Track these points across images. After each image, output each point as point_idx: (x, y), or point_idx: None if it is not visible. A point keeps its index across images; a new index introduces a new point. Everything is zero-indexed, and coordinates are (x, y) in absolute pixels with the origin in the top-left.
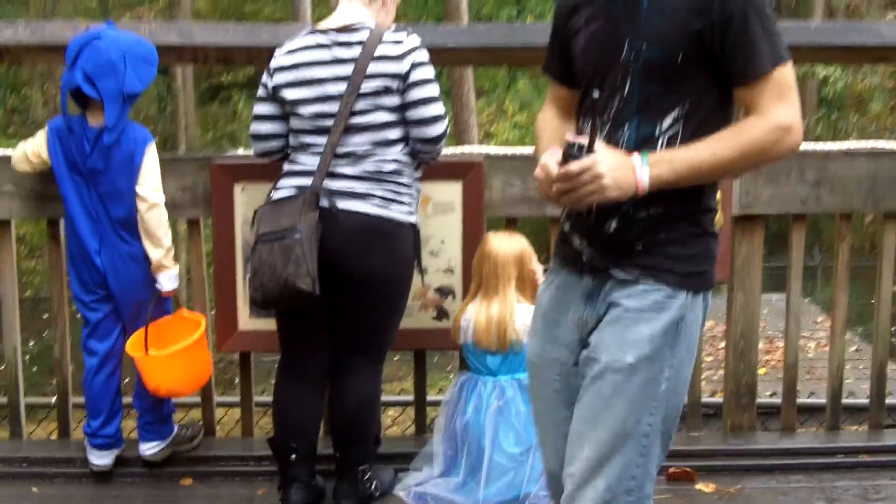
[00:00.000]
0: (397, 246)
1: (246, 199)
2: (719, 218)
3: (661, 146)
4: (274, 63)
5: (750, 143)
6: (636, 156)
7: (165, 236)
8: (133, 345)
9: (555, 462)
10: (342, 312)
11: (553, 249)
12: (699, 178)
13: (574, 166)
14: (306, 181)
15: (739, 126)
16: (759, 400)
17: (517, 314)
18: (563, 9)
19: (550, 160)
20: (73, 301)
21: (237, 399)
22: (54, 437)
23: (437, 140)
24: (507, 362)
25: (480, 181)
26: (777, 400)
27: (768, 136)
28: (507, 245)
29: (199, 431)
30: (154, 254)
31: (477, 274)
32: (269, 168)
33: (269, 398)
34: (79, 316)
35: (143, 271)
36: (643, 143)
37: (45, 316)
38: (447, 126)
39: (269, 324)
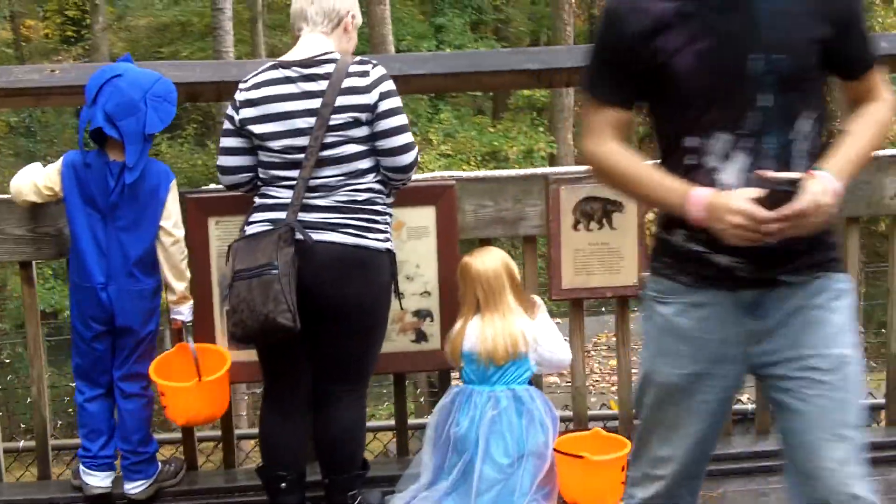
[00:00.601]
0: (374, 274)
1: (220, 233)
2: None
3: (809, 150)
4: (240, 97)
5: (883, 128)
6: (824, 173)
7: (187, 269)
8: (164, 372)
9: (685, 468)
10: (322, 341)
11: (667, 270)
12: (856, 175)
13: (806, 202)
14: (279, 214)
15: (870, 115)
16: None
17: (525, 327)
18: (635, 31)
19: (746, 205)
20: (72, 334)
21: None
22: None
23: (408, 168)
24: (505, 374)
25: (453, 205)
26: (738, 407)
27: (891, 116)
28: (490, 261)
29: (182, 466)
30: (178, 286)
31: (470, 295)
32: (242, 201)
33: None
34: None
35: (149, 307)
36: (785, 149)
37: None
38: (417, 153)
39: (248, 354)
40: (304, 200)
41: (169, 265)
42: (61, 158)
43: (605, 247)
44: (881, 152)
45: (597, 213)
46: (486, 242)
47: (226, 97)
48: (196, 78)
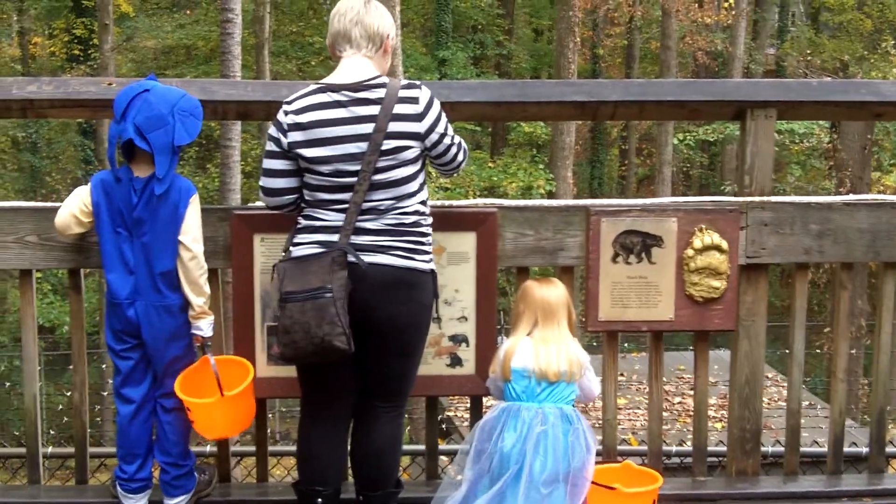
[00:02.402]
0: (420, 294)
1: (265, 250)
2: None
3: None
4: (287, 119)
5: None
6: None
7: (206, 284)
8: (186, 389)
9: None
10: (367, 360)
11: None
12: None
13: None
14: (329, 237)
15: None
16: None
17: (580, 353)
18: None
19: None
20: (109, 354)
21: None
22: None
23: (460, 168)
24: (554, 392)
25: (494, 232)
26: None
27: None
28: (553, 289)
29: (215, 474)
30: (196, 301)
31: (529, 315)
32: (288, 219)
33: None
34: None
35: (176, 323)
36: None
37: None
38: (465, 157)
39: (286, 371)
40: (356, 224)
41: (187, 280)
42: (90, 180)
43: (642, 280)
44: None
45: (636, 246)
46: (524, 271)
47: (275, 116)
48: (248, 97)
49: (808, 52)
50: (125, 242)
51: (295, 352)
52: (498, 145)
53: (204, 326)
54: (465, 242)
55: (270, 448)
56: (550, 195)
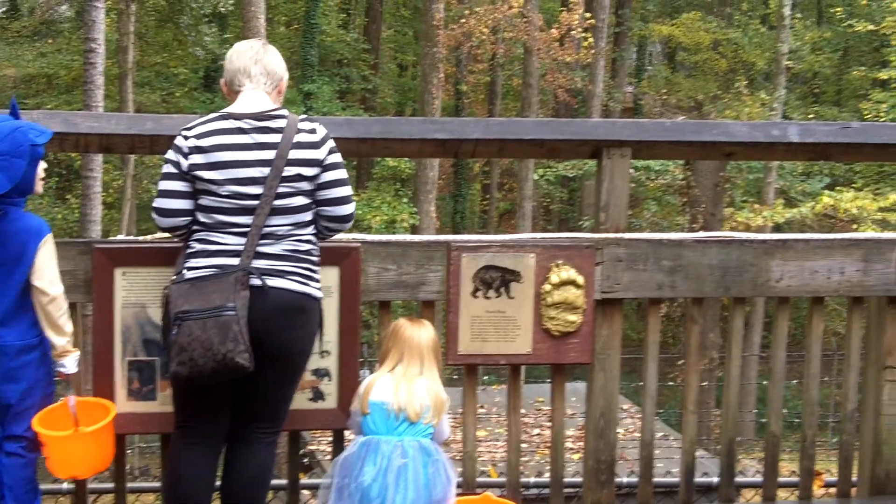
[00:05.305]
0: (312, 320)
1: (127, 284)
2: None
3: None
4: (188, 143)
5: None
6: None
7: (67, 324)
8: (47, 425)
9: None
10: (255, 384)
11: None
12: None
13: None
14: (228, 260)
15: None
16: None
17: (444, 395)
18: None
19: None
20: None
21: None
22: None
23: (347, 218)
24: (413, 428)
25: (357, 267)
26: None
27: None
28: (425, 333)
29: None
30: (59, 341)
31: (395, 352)
32: (151, 252)
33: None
34: None
35: (14, 366)
36: None
37: None
38: (354, 207)
39: (146, 406)
40: (256, 248)
41: (48, 323)
42: None
43: (501, 315)
44: (768, 236)
45: (495, 281)
46: (386, 305)
47: (139, 150)
48: (112, 130)
49: (665, 90)
50: None
51: (191, 370)
52: (362, 179)
53: (68, 364)
54: (329, 277)
55: (129, 484)
56: (414, 229)
